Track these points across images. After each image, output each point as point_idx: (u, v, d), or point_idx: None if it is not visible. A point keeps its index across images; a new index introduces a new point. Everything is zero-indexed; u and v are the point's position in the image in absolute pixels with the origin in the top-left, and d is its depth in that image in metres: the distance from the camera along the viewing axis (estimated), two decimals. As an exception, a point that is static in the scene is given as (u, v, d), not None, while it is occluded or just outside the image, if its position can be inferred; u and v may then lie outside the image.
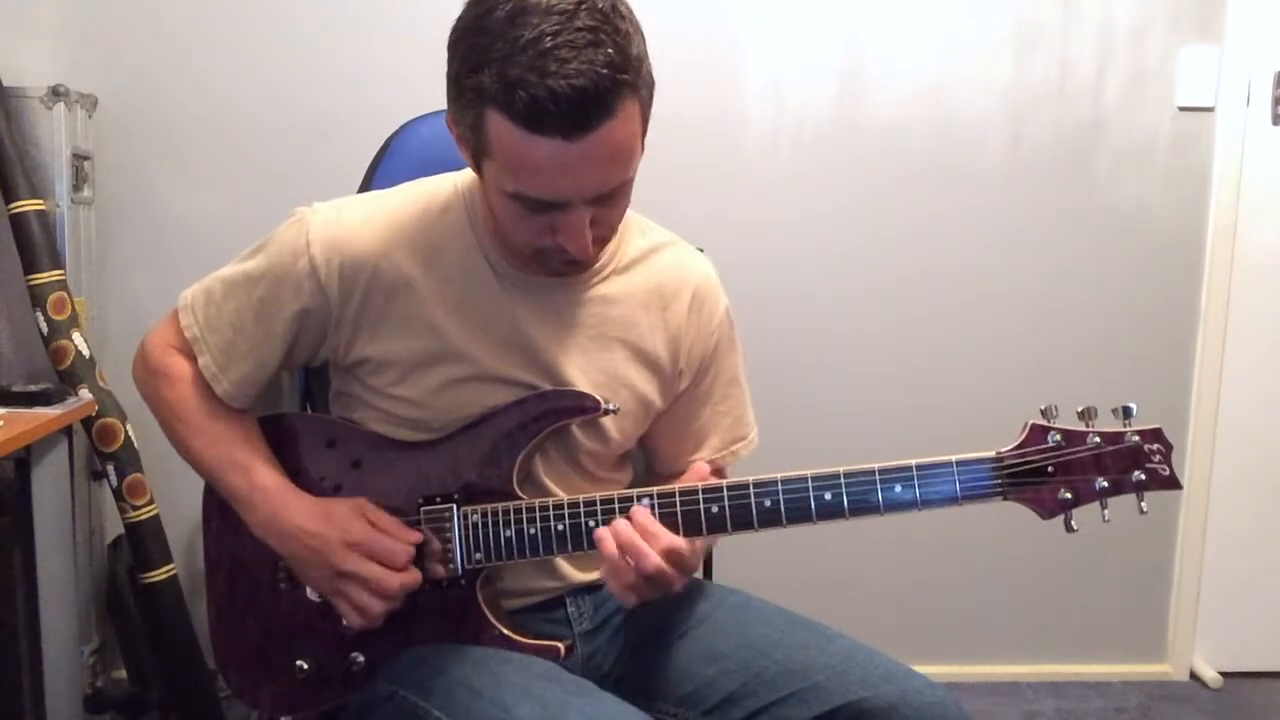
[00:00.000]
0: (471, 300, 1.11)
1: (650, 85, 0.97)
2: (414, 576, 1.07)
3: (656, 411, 1.21)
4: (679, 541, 1.01)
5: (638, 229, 1.20)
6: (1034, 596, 2.29)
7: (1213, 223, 2.19)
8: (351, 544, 1.06)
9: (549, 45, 0.88)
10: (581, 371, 1.13)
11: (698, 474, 1.12)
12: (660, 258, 1.20)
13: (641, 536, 1.01)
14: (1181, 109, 2.16)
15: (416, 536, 1.08)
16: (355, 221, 1.11)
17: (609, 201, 1.01)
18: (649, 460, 1.29)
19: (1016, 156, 2.16)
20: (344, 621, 1.08)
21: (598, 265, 1.15)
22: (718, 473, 1.26)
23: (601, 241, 1.07)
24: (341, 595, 1.07)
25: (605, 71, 0.90)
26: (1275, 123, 2.17)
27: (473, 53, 0.92)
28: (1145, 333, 2.22)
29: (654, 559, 0.99)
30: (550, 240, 1.02)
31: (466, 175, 1.15)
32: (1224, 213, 2.18)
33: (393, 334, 1.10)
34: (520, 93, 0.89)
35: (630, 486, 1.26)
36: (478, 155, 0.98)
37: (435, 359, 1.10)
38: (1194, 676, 2.32)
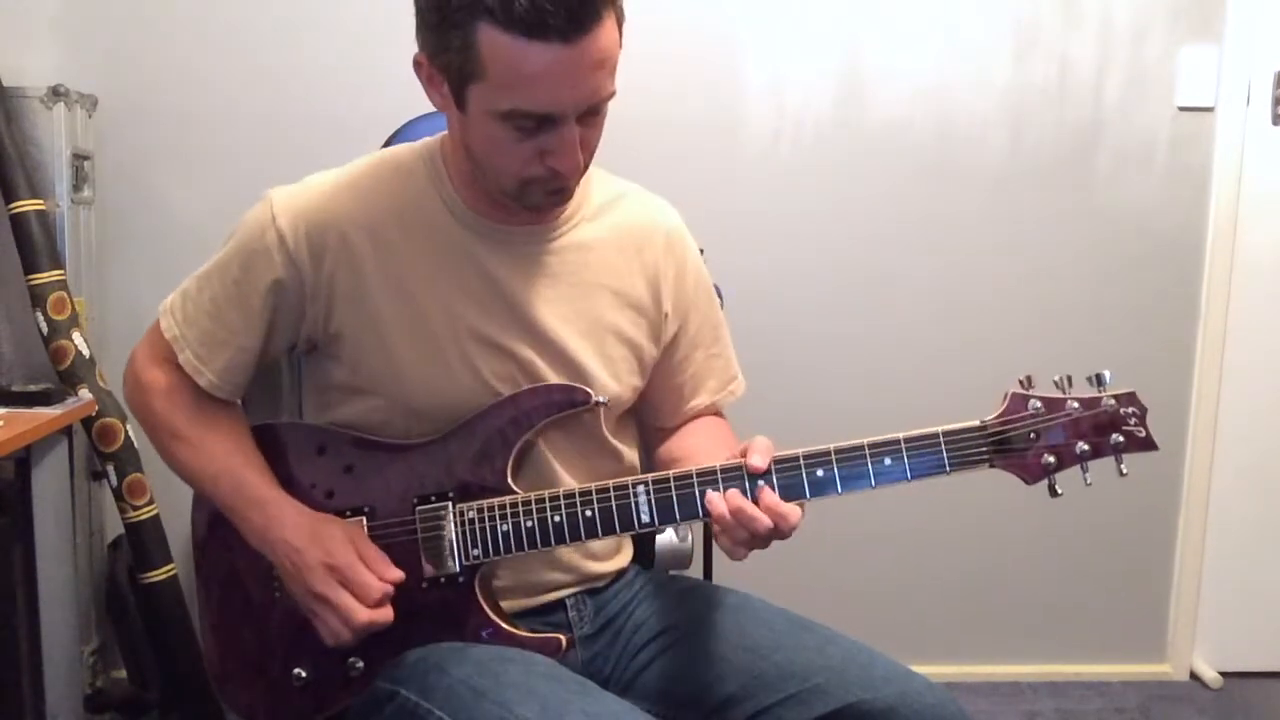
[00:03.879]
0: (441, 256, 1.11)
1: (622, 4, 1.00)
2: (385, 615, 1.06)
3: (650, 359, 1.21)
4: (785, 506, 1.01)
5: (599, 179, 1.21)
6: (1034, 596, 2.29)
7: (1213, 223, 2.19)
8: (331, 567, 1.05)
9: None
10: (565, 320, 1.13)
11: (710, 436, 1.14)
12: (627, 203, 1.21)
13: (752, 502, 1.01)
14: (1181, 109, 2.16)
15: (397, 576, 1.07)
16: (318, 191, 1.12)
17: (593, 120, 1.03)
18: (647, 417, 1.28)
19: (1016, 156, 2.16)
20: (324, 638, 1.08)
21: (567, 213, 1.15)
22: (718, 414, 1.28)
23: (584, 166, 1.07)
24: (315, 615, 1.07)
25: None
26: (1275, 123, 2.17)
27: None
28: (1145, 333, 2.22)
29: (764, 520, 1.00)
30: (539, 167, 1.03)
31: (427, 140, 1.16)
32: (1224, 213, 2.18)
33: (367, 299, 1.10)
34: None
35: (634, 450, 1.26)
36: (463, 81, 0.98)
37: (411, 320, 1.10)
38: (1194, 676, 2.32)
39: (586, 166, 1.08)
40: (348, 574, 1.05)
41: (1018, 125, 2.16)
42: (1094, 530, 2.23)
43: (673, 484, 1.05)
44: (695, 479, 1.04)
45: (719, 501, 1.01)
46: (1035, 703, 2.22)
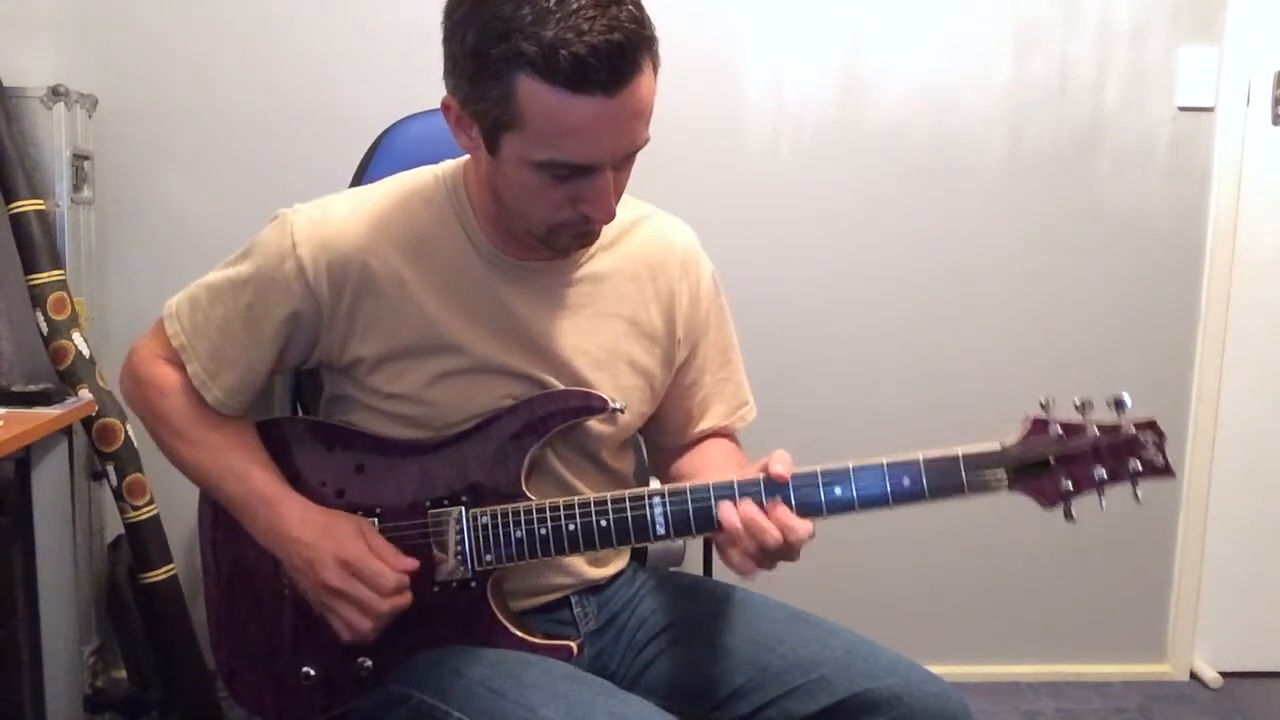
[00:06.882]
0: (462, 291, 1.10)
1: (658, 42, 0.99)
2: (403, 600, 1.06)
3: (662, 385, 1.21)
4: (795, 520, 1.00)
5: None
6: (1034, 596, 2.29)
7: (1213, 223, 2.19)
8: (343, 561, 1.05)
9: (575, 7, 0.90)
10: (580, 351, 1.13)
11: (723, 453, 1.14)
12: (642, 230, 1.20)
13: (764, 513, 1.00)
14: (1181, 109, 2.16)
15: (410, 564, 1.07)
16: (340, 219, 1.10)
17: (626, 164, 1.02)
18: (654, 436, 1.28)
19: (1016, 156, 2.16)
20: (339, 634, 1.07)
21: None
22: (731, 438, 1.27)
23: (615, 212, 1.06)
24: (330, 610, 1.07)
25: (632, 27, 0.92)
26: (1275, 123, 2.17)
27: (495, 21, 0.92)
28: (1145, 333, 2.22)
29: (774, 533, 0.99)
30: (570, 212, 1.02)
31: (447, 166, 1.15)
32: (1224, 213, 2.18)
33: (386, 331, 1.10)
34: (562, 53, 0.89)
35: (635, 471, 1.27)
36: (498, 130, 0.97)
37: (430, 352, 1.10)
38: (1194, 676, 2.32)
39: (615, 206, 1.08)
40: (360, 566, 1.05)
41: (1018, 125, 2.16)
42: (1094, 530, 2.23)
43: (689, 496, 1.04)
44: (711, 492, 1.04)
45: (730, 512, 1.01)
46: (1035, 703, 2.22)
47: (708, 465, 1.20)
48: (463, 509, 1.09)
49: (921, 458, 1.02)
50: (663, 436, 1.27)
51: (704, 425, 1.25)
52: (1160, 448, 1.02)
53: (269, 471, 1.12)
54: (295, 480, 1.13)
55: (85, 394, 1.77)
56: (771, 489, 1.02)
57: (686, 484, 1.06)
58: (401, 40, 2.03)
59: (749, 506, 1.01)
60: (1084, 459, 1.02)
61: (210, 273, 1.14)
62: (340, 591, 1.05)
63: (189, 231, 2.06)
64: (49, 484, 1.61)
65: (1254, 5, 2.12)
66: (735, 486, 1.03)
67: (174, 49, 2.04)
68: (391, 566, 1.06)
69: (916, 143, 2.15)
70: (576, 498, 1.08)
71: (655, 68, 0.98)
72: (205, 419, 1.13)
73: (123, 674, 2.01)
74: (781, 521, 1.00)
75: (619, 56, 0.91)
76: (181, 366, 1.13)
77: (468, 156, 1.12)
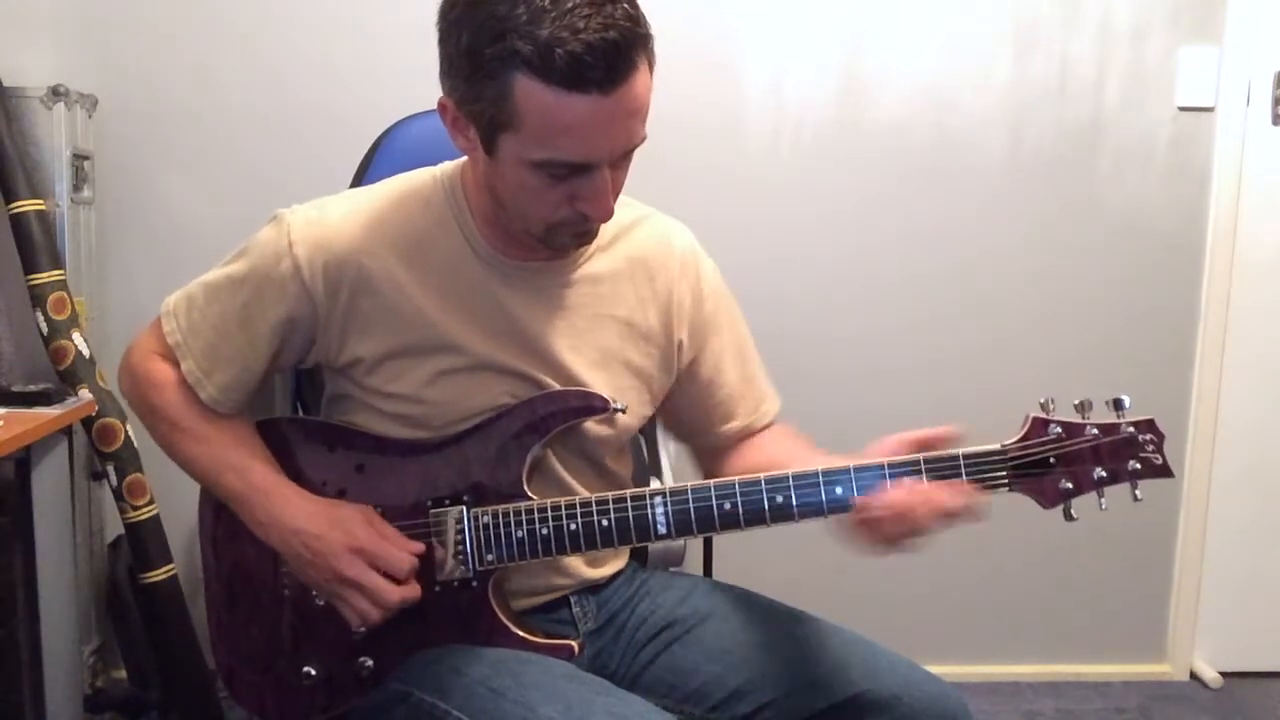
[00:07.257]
0: (459, 291, 1.11)
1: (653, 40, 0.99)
2: (414, 591, 1.06)
3: (661, 388, 1.21)
4: (950, 499, 1.00)
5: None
6: (1034, 596, 2.29)
7: (1213, 223, 2.19)
8: (356, 549, 1.05)
9: (570, 5, 0.90)
10: (576, 352, 1.13)
11: (787, 446, 1.16)
12: (641, 230, 1.20)
13: (920, 499, 1.00)
14: (1181, 109, 2.16)
15: (419, 548, 1.07)
16: (337, 219, 1.10)
17: (624, 163, 1.03)
18: (684, 437, 1.28)
19: (1016, 156, 2.16)
20: (350, 622, 1.08)
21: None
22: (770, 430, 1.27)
23: (613, 210, 1.06)
24: (341, 600, 1.07)
25: (627, 25, 0.92)
26: (1275, 123, 2.17)
27: (490, 21, 0.92)
28: (1145, 333, 2.22)
29: (929, 523, 1.00)
30: (568, 211, 1.02)
31: (446, 167, 1.15)
32: (1224, 213, 2.18)
33: (383, 331, 1.10)
34: (558, 51, 0.90)
35: (633, 474, 1.27)
36: (494, 130, 0.97)
37: (428, 352, 1.10)
38: (1194, 676, 2.32)
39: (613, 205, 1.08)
40: (375, 553, 1.05)
41: (1018, 125, 2.16)
42: (1094, 530, 2.23)
43: (690, 496, 1.05)
44: (713, 492, 1.04)
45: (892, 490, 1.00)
46: (1035, 703, 2.22)
47: (772, 462, 1.14)
48: (464, 508, 1.09)
49: (922, 458, 1.03)
50: (693, 437, 1.27)
51: (733, 424, 1.24)
52: (1159, 447, 1.03)
53: (268, 465, 1.12)
54: (296, 480, 1.13)
55: (85, 394, 1.77)
56: (773, 488, 1.02)
57: (687, 484, 1.06)
58: (401, 40, 2.03)
59: (922, 488, 1.00)
60: (1083, 459, 1.03)
61: (209, 272, 1.15)
62: (353, 580, 1.05)
63: (189, 231, 2.06)
64: (49, 484, 1.60)
65: (1254, 5, 2.12)
66: (736, 486, 1.04)
67: (174, 49, 2.04)
68: (402, 550, 1.06)
69: (916, 143, 2.15)
70: (578, 497, 1.08)
71: (651, 66, 0.98)
72: (202, 413, 1.14)
73: (123, 674, 2.01)
74: (928, 498, 0.99)
75: (614, 54, 0.91)
76: (177, 363, 1.13)
77: (466, 158, 1.12)
